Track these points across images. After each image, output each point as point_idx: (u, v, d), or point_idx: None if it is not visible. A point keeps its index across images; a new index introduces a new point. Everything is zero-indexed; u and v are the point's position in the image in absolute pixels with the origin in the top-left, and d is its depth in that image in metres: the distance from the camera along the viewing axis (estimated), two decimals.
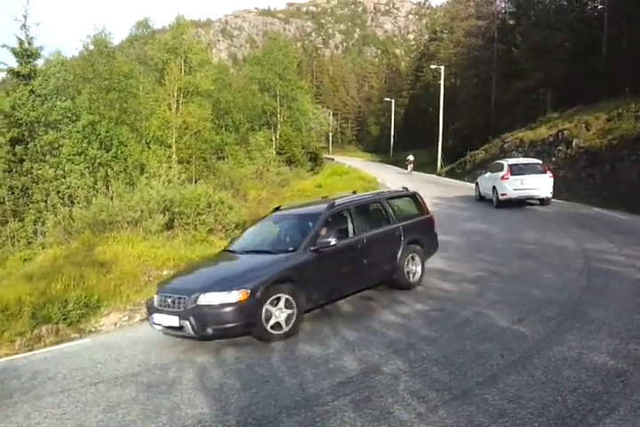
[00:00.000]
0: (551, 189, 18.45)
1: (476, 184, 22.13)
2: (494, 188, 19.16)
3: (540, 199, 18.67)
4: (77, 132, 21.08)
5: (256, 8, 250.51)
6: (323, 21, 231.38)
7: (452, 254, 11.03)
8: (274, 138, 43.35)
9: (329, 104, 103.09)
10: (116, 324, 8.83)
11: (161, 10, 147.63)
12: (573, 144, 23.96)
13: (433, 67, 50.04)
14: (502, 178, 18.60)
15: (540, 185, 18.27)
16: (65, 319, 8.66)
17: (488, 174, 20.73)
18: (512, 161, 20.21)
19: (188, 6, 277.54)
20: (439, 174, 40.15)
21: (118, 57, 31.73)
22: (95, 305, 9.17)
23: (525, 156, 26.59)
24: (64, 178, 18.87)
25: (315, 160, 47.12)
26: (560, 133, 25.65)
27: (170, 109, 28.82)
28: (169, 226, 14.01)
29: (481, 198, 21.06)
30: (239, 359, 5.98)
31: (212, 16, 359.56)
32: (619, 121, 21.99)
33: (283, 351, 6.12)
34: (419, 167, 45.38)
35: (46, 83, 20.21)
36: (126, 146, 22.92)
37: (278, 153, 40.78)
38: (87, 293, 9.33)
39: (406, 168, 41.52)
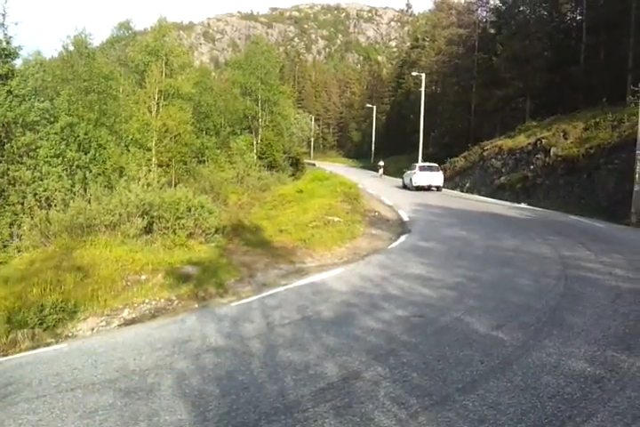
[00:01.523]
0: (442, 182, 30.64)
1: (402, 178, 33.92)
2: (410, 179, 30.90)
3: (436, 187, 30.26)
4: (55, 133, 20.73)
5: (239, 12, 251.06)
6: (305, 26, 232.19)
7: (432, 261, 11.09)
8: (255, 142, 43.15)
9: (311, 109, 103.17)
10: (93, 329, 8.70)
11: (143, 11, 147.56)
12: (551, 152, 24.32)
13: (414, 74, 50.41)
14: (414, 173, 30.47)
15: (436, 179, 30.26)
16: (41, 324, 8.49)
17: (408, 172, 32.45)
18: (420, 164, 32.49)
19: (170, 8, 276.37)
20: None
21: (98, 58, 31.37)
22: (72, 310, 9.01)
23: (504, 164, 28.97)
24: (41, 180, 18.52)
25: (296, 165, 46.83)
26: (538, 142, 26.03)
27: (150, 112, 28.55)
28: (148, 230, 13.87)
29: (404, 187, 32.51)
30: (218, 365, 5.91)
31: (194, 19, 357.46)
32: (596, 130, 22.37)
33: (263, 358, 6.07)
34: (399, 173, 45.86)
35: (24, 83, 19.82)
36: (105, 148, 22.62)
37: (259, 157, 40.53)
38: (64, 297, 9.17)
39: (378, 172, 48.85)
